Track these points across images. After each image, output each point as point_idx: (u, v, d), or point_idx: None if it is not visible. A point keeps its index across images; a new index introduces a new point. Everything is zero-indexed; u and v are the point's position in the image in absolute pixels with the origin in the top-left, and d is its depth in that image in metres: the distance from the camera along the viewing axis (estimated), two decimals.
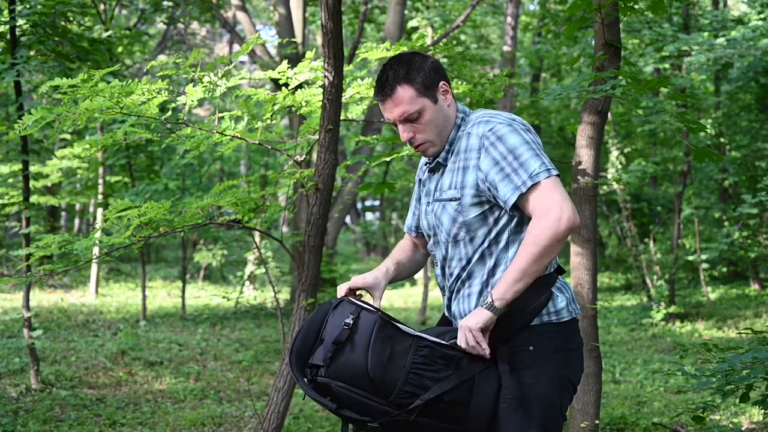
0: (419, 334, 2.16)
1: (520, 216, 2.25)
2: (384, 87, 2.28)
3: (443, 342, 2.19)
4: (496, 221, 2.25)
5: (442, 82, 2.31)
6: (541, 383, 2.21)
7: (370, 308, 2.16)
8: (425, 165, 2.46)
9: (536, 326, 2.24)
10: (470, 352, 2.16)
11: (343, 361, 2.11)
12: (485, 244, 2.26)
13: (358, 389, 2.10)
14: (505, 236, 2.26)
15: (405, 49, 4.45)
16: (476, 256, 2.27)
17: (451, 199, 2.28)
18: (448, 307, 2.38)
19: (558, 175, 2.18)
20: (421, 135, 2.31)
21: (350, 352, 2.11)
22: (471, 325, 2.14)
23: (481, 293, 2.28)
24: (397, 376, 2.10)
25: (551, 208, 2.10)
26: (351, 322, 2.13)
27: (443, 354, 2.15)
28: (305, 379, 2.17)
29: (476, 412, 2.16)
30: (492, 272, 2.27)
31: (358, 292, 2.36)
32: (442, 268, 2.38)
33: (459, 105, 2.38)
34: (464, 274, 2.30)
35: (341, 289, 2.32)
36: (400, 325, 2.16)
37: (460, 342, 2.16)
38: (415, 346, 2.13)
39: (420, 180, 2.51)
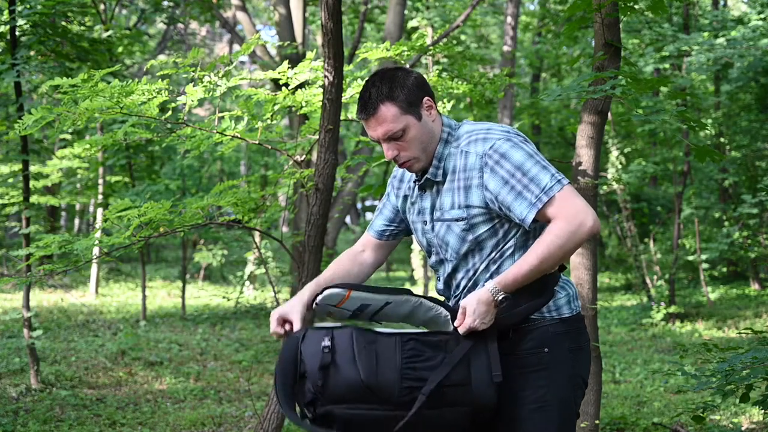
0: (399, 330, 2.16)
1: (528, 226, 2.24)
2: (367, 105, 2.23)
3: (425, 331, 2.19)
4: (506, 233, 2.25)
5: (426, 98, 2.27)
6: (556, 384, 2.22)
7: (339, 325, 2.14)
8: (413, 182, 2.41)
9: (547, 326, 2.24)
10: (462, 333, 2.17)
11: (335, 382, 2.07)
12: (492, 255, 2.26)
13: (360, 404, 2.08)
14: (511, 244, 2.26)
15: (405, 49, 4.45)
16: (482, 266, 2.27)
17: (456, 219, 2.26)
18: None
19: (570, 183, 2.18)
20: (405, 152, 2.27)
21: (338, 371, 2.07)
22: (476, 314, 2.15)
23: None
24: (393, 377, 2.08)
25: (577, 213, 2.12)
26: (329, 343, 2.09)
27: (428, 342, 2.15)
28: (307, 420, 2.13)
29: (478, 389, 2.15)
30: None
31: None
32: (446, 282, 2.37)
33: (444, 118, 2.35)
34: (470, 284, 2.30)
35: (276, 328, 2.23)
36: (376, 328, 2.16)
37: (459, 324, 2.17)
38: (399, 342, 2.12)
39: (406, 196, 2.45)
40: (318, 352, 2.09)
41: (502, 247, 2.25)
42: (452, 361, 2.13)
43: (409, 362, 2.10)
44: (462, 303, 2.18)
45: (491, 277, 2.26)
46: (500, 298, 2.15)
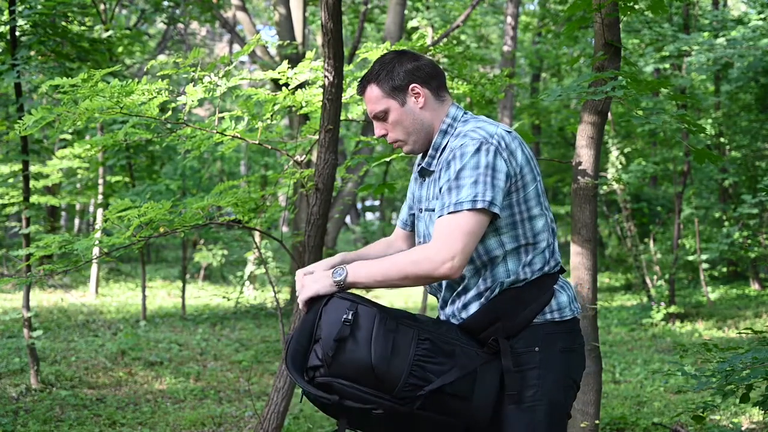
0: (419, 325, 2.15)
1: (513, 231, 2.22)
2: (359, 84, 2.36)
3: (440, 328, 2.19)
4: (489, 236, 2.21)
5: (413, 85, 2.28)
6: (547, 384, 2.20)
7: (366, 302, 2.13)
8: (418, 165, 2.44)
9: (541, 326, 2.22)
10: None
11: (346, 358, 2.06)
12: (477, 262, 2.23)
13: (361, 385, 2.07)
14: (498, 252, 2.23)
15: (405, 49, 4.44)
16: (469, 269, 2.25)
17: (434, 210, 2.27)
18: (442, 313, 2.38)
19: (483, 210, 2.11)
20: (392, 133, 2.34)
21: (353, 348, 2.06)
22: (310, 287, 2.18)
23: (475, 302, 2.25)
24: (401, 369, 2.07)
25: (449, 249, 2.08)
26: (351, 318, 2.08)
27: (441, 348, 2.13)
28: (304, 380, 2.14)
29: (478, 407, 2.14)
30: (489, 288, 2.24)
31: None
32: None
33: (451, 110, 2.33)
34: (458, 288, 2.28)
35: (300, 281, 2.25)
36: (399, 317, 2.15)
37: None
38: (416, 338, 2.11)
39: (416, 179, 2.48)
40: (337, 322, 2.08)
41: (487, 252, 2.23)
42: (462, 371, 2.11)
43: (419, 360, 2.09)
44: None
45: (484, 281, 2.24)
46: (344, 280, 2.15)
